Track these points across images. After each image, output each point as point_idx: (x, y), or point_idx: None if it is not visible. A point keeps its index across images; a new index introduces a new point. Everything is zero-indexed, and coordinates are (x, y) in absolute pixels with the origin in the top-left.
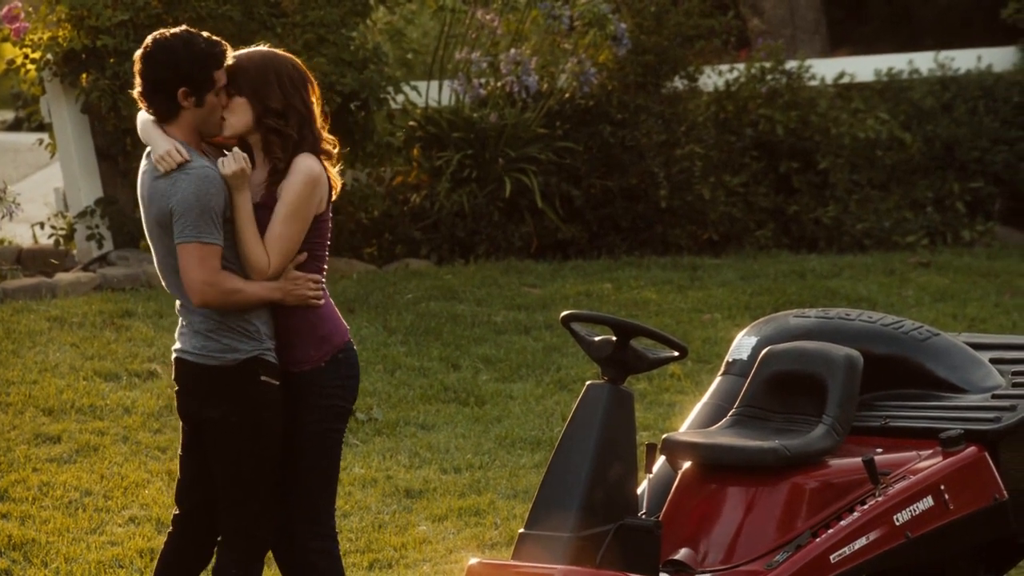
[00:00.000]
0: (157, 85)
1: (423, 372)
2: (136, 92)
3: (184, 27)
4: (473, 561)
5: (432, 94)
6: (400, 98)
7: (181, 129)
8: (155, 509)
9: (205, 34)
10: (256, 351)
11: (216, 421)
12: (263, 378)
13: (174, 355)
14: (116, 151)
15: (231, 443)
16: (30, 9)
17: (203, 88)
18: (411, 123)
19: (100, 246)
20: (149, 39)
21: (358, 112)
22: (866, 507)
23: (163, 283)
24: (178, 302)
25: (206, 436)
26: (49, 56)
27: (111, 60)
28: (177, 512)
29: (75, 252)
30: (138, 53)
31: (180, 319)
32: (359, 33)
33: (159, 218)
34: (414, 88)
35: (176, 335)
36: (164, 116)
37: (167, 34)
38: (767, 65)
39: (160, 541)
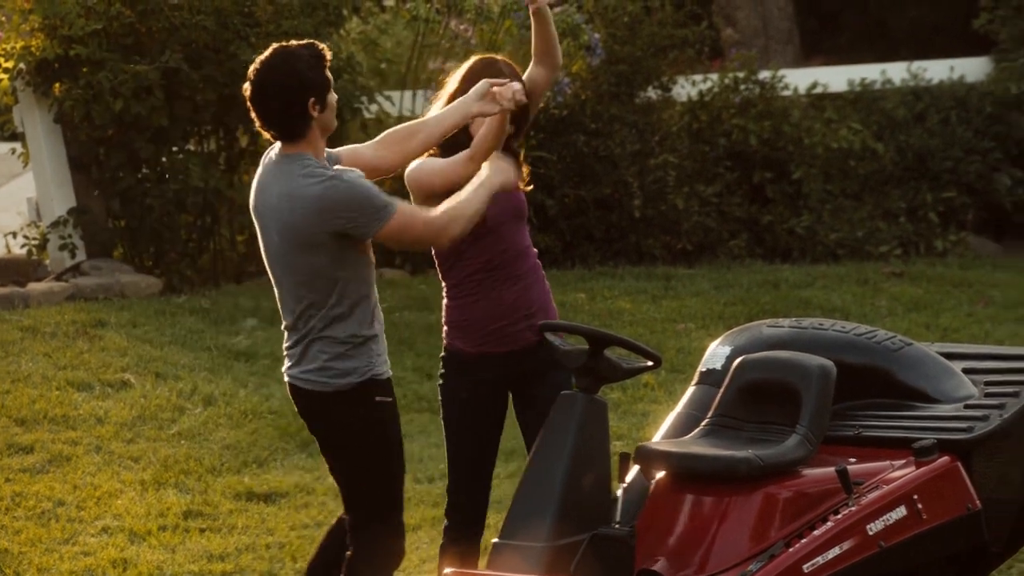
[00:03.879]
0: (288, 104)
1: (397, 382)
2: (258, 125)
3: (275, 45)
4: (447, 571)
5: (406, 104)
6: (374, 108)
7: (311, 142)
8: (128, 519)
9: (294, 42)
10: (368, 373)
11: (337, 444)
12: (377, 399)
13: (286, 378)
14: (89, 160)
15: (352, 463)
16: (3, 19)
17: (325, 90)
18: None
19: (73, 256)
20: (257, 68)
21: None
22: (839, 517)
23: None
24: (284, 320)
25: (332, 457)
26: (22, 65)
27: (84, 70)
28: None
29: (48, 262)
30: (250, 85)
31: (288, 337)
32: (333, 43)
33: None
34: (388, 98)
35: (286, 356)
36: (297, 134)
37: (267, 56)
38: (740, 75)
39: (133, 551)
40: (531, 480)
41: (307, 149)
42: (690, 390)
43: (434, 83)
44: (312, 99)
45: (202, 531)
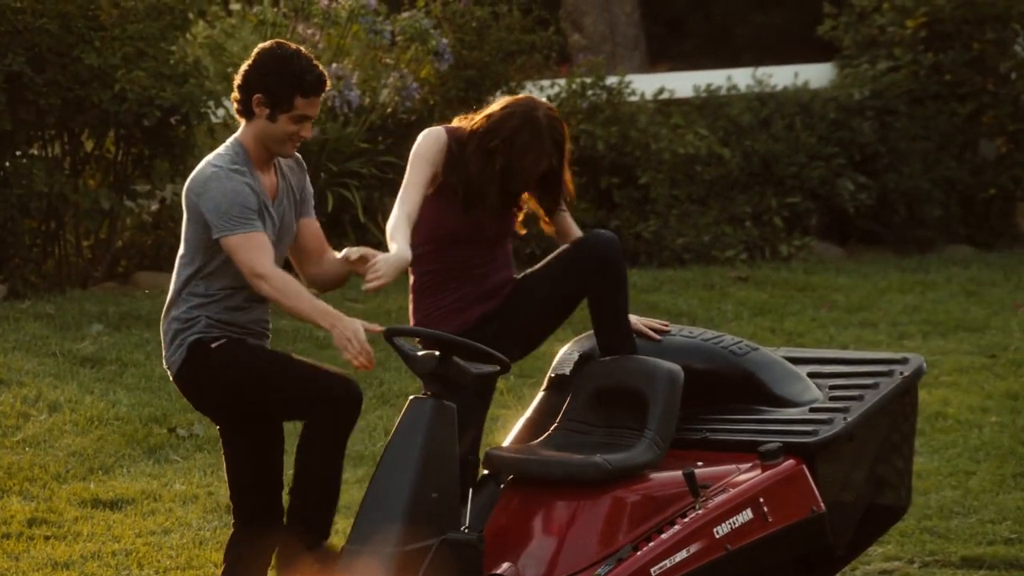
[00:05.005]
0: (242, 81)
1: None
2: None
3: (299, 47)
4: None
5: None
6: (221, 112)
7: (248, 134)
8: None
9: (317, 63)
10: (194, 335)
11: (221, 401)
12: (213, 346)
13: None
14: None
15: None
16: None
17: (279, 105)
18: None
19: None
20: (268, 43)
21: (178, 126)
22: (686, 520)
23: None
24: None
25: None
26: None
27: None
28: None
29: None
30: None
31: None
32: (179, 47)
33: None
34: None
35: None
36: (241, 113)
37: (278, 43)
38: (588, 81)
39: None
40: (380, 485)
41: (245, 138)
42: (540, 395)
43: None
44: (258, 96)
45: (47, 539)
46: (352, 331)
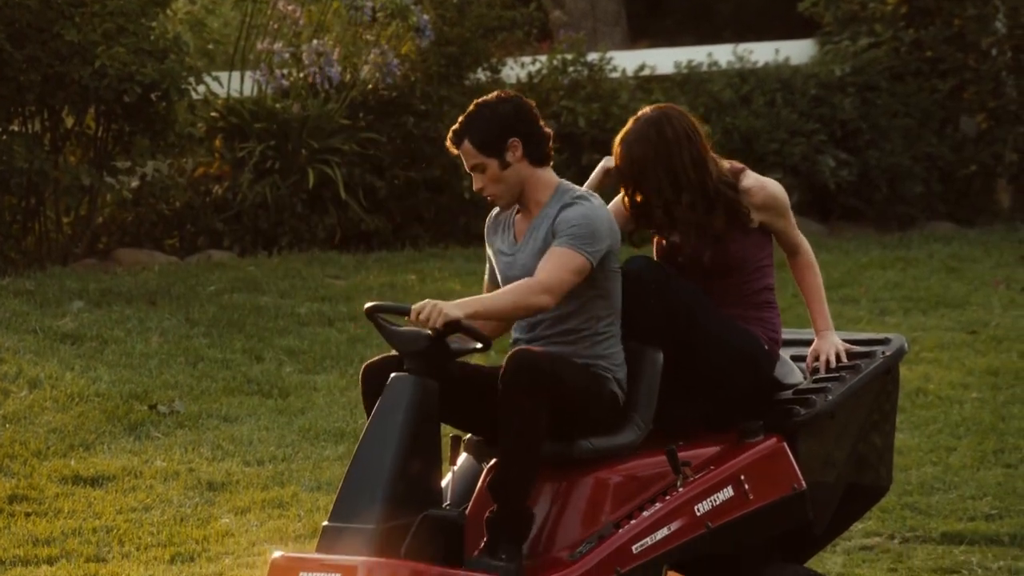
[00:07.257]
0: None
1: (226, 364)
2: None
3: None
4: (276, 554)
5: (234, 85)
6: (201, 88)
7: None
8: None
9: (464, 115)
10: None
11: None
12: None
13: None
14: None
15: None
16: None
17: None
18: (213, 114)
19: None
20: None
21: (159, 103)
22: (668, 498)
23: None
24: None
25: None
26: None
27: None
28: None
29: None
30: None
31: None
32: (159, 23)
33: None
34: (216, 79)
35: None
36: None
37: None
38: (569, 57)
39: None
40: (361, 462)
41: None
42: None
43: (263, 63)
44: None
45: (27, 515)
46: None
